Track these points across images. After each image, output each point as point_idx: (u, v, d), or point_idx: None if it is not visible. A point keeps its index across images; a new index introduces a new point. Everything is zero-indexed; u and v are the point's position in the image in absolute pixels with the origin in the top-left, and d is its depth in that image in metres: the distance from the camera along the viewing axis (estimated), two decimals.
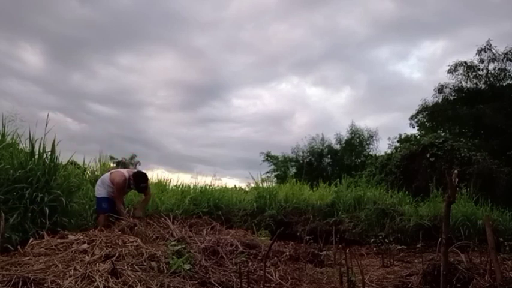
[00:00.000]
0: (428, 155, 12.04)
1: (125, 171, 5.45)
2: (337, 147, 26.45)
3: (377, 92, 38.58)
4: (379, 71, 39.81)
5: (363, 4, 36.14)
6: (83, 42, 36.94)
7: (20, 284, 2.45)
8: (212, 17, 38.24)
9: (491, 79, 17.09)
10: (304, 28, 39.51)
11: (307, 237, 5.33)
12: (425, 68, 37.26)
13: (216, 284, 3.11)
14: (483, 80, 17.26)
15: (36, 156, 4.85)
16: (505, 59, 16.59)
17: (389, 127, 38.73)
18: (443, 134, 16.02)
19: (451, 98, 17.71)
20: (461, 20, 31.92)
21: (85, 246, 3.56)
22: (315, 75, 42.57)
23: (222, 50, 41.56)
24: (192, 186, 8.79)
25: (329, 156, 26.51)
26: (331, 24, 37.36)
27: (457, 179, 2.48)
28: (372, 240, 6.21)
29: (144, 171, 5.81)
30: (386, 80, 38.12)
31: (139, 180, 5.33)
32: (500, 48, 16.70)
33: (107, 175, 5.45)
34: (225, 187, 9.67)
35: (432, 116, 18.39)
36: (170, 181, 9.00)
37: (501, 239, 5.28)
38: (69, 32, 34.87)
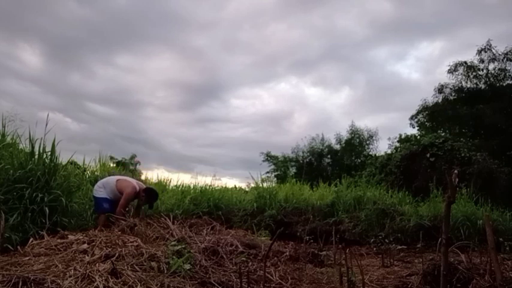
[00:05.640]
0: (428, 155, 12.04)
1: (135, 183, 5.44)
2: (337, 147, 26.46)
3: (376, 92, 38.62)
4: (378, 71, 39.85)
5: (360, 5, 36.14)
6: (82, 43, 36.99)
7: (20, 284, 2.45)
8: (210, 17, 38.26)
9: (491, 79, 17.08)
10: (303, 28, 39.54)
11: (307, 237, 5.32)
12: (423, 69, 37.32)
13: (216, 284, 3.11)
14: (483, 80, 17.26)
15: (36, 156, 4.85)
16: (505, 59, 16.59)
17: (387, 127, 38.76)
18: (443, 134, 16.02)
19: (451, 98, 17.71)
20: (459, 20, 31.98)
21: (85, 246, 3.56)
22: (314, 75, 42.63)
23: (221, 50, 41.58)
24: (192, 186, 8.81)
25: (329, 156, 26.51)
26: (329, 25, 37.40)
27: (457, 179, 2.48)
28: (372, 240, 6.21)
29: (144, 171, 5.85)
30: (384, 80, 38.17)
31: (152, 197, 5.47)
32: (500, 49, 16.74)
33: (112, 180, 5.40)
34: (225, 187, 9.70)
35: (432, 116, 18.39)
36: (170, 181, 9.03)
37: (501, 239, 5.28)
38: (68, 32, 34.91)
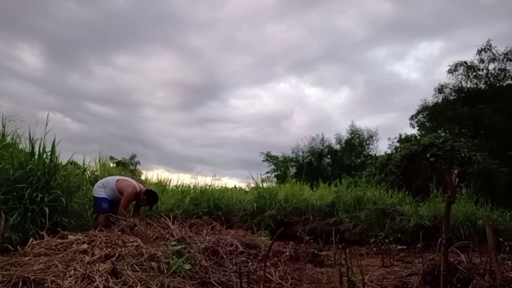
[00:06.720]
0: (428, 155, 12.05)
1: (135, 183, 5.44)
2: (337, 147, 26.51)
3: (375, 92, 38.74)
4: (377, 71, 40.00)
5: (359, 5, 36.22)
6: (81, 43, 37.15)
7: (20, 284, 2.45)
8: (209, 17, 38.33)
9: (491, 79, 17.09)
10: (301, 29, 39.66)
11: (307, 237, 5.32)
12: (422, 69, 37.45)
13: (216, 284, 3.11)
14: (483, 80, 17.27)
15: (36, 156, 4.85)
16: (505, 59, 16.61)
17: (387, 127, 38.93)
18: (443, 134, 16.02)
19: (451, 98, 17.73)
20: (458, 21, 32.06)
21: (85, 246, 3.56)
22: (313, 75, 42.75)
23: (219, 51, 41.72)
24: (192, 186, 8.81)
25: (329, 156, 26.55)
26: (328, 25, 37.51)
27: (457, 179, 2.48)
28: (372, 240, 6.21)
29: (144, 171, 5.83)
30: (384, 80, 38.32)
31: (153, 199, 5.51)
32: (500, 49, 16.75)
33: (112, 180, 5.40)
34: (225, 187, 9.69)
35: (432, 116, 18.42)
36: (170, 181, 9.03)
37: (501, 239, 5.27)
38: (67, 32, 35.07)
